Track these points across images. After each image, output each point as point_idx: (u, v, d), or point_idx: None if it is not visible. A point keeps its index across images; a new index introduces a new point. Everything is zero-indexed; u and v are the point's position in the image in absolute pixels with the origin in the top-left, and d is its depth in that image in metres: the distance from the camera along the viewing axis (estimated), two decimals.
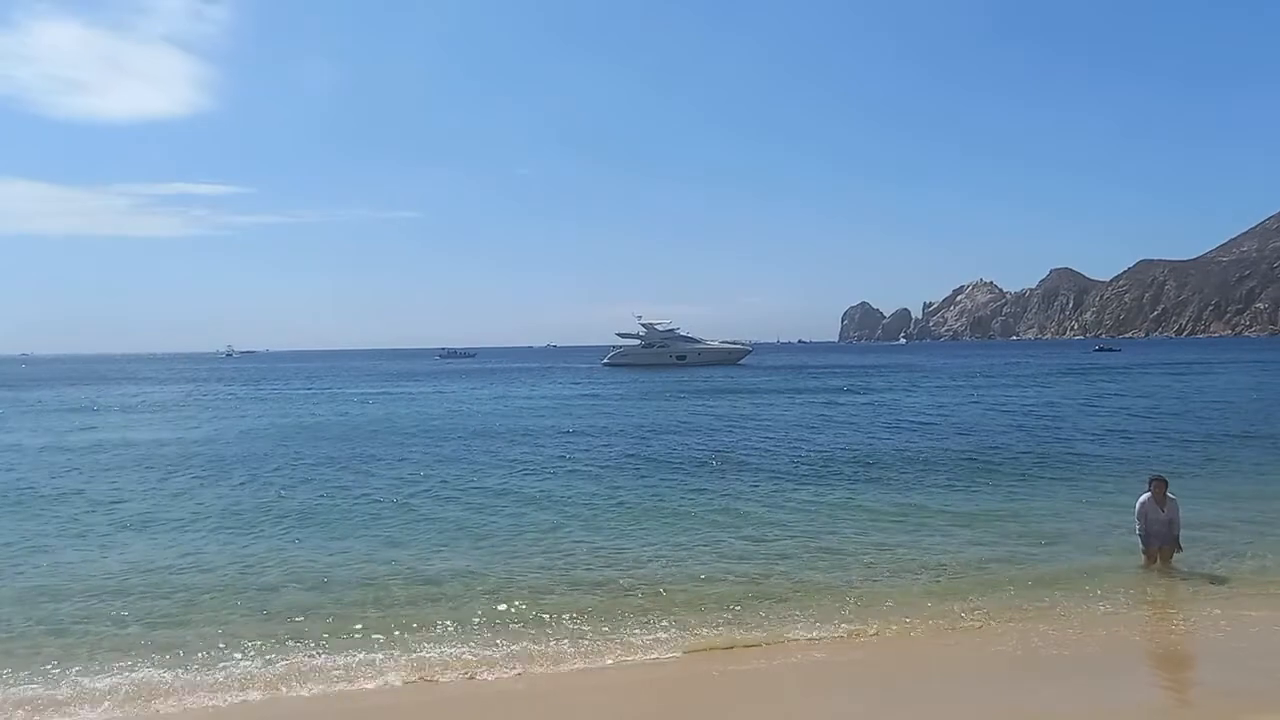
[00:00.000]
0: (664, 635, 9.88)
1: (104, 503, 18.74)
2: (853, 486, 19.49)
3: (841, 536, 14.64)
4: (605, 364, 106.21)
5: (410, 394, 61.06)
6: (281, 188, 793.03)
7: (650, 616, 10.52)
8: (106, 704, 8.12)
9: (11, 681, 8.68)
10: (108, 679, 8.69)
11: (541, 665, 9.05)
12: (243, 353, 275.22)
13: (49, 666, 9.05)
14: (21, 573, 13.06)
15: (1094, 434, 29.27)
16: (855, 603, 11.04)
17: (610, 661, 9.17)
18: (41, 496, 19.72)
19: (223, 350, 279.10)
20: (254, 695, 8.32)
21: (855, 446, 26.74)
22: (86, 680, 8.68)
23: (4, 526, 16.46)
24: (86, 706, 8.06)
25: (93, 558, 13.98)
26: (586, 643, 9.68)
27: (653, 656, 9.28)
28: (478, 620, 10.45)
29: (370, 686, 8.51)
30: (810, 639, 9.78)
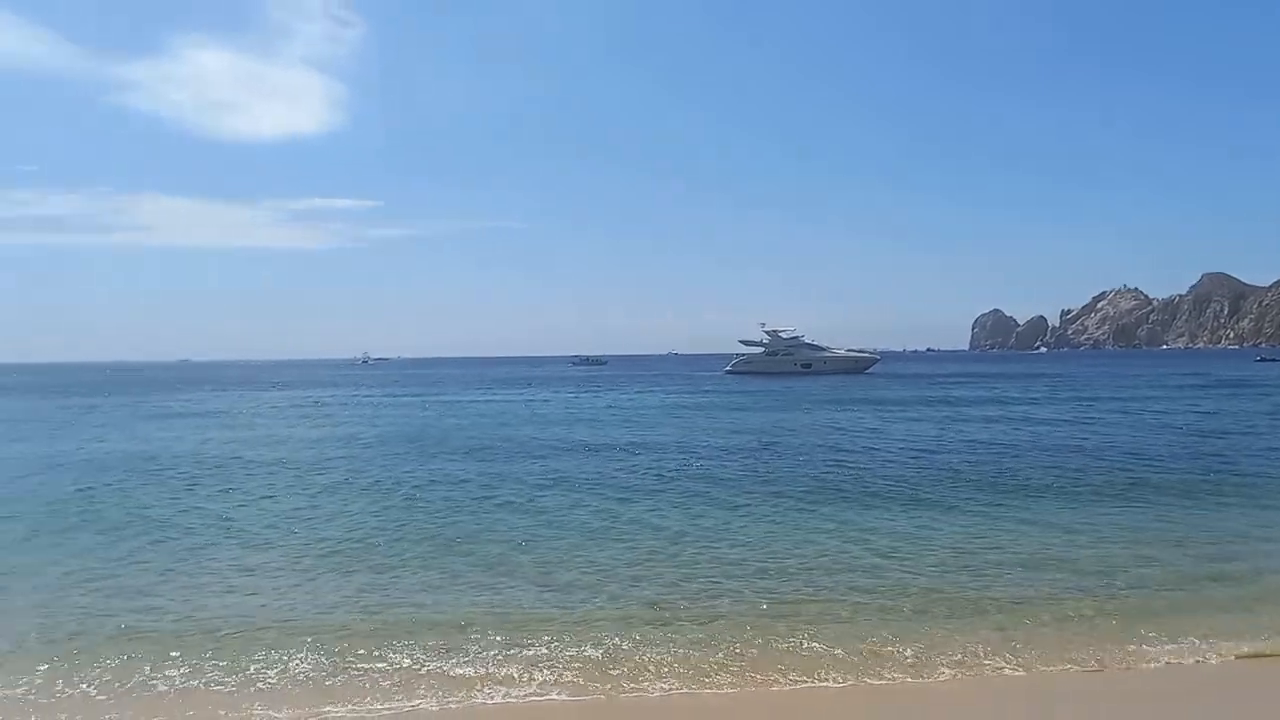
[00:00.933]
0: (816, 653, 9.37)
1: (245, 505, 19.50)
2: (996, 504, 18.32)
3: (985, 558, 13.71)
4: (728, 372, 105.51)
5: (537, 400, 61.83)
6: (410, 200, 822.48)
7: (774, 638, 10.02)
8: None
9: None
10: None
11: (646, 683, 8.69)
12: (376, 359, 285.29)
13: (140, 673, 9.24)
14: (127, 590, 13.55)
15: (1263, 452, 26.88)
16: (1006, 631, 10.20)
17: (759, 682, 8.71)
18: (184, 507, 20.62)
19: (359, 357, 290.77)
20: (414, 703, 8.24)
21: (994, 462, 25.31)
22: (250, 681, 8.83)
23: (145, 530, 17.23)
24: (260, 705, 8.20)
25: (217, 572, 14.44)
26: (741, 660, 9.34)
27: (819, 682, 8.79)
28: (602, 636, 10.18)
29: (491, 703, 8.33)
30: (955, 675, 9.05)
